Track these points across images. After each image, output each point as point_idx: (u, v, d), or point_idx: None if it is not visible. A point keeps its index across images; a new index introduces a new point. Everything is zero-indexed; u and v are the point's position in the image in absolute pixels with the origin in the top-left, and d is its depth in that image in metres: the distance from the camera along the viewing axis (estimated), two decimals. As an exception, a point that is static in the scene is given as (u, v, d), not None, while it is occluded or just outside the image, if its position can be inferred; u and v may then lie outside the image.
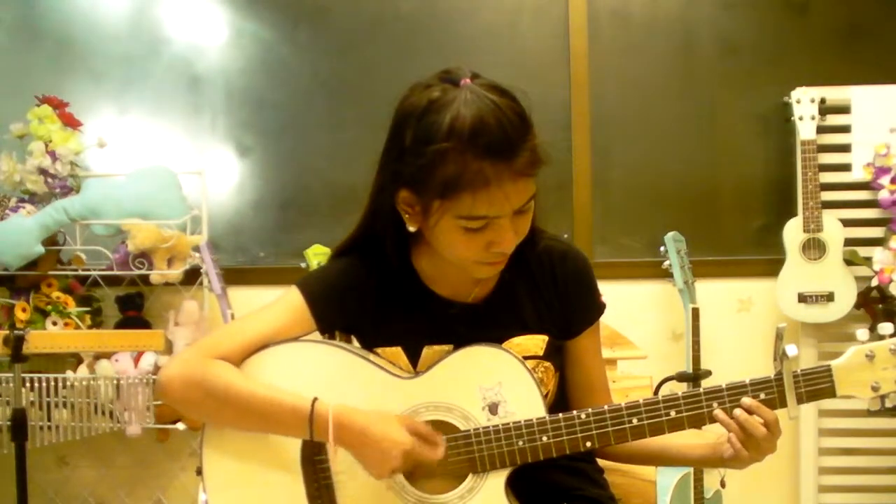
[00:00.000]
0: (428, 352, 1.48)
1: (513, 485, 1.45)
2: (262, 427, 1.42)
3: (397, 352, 1.49)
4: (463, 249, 1.38)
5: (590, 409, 1.42)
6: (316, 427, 1.37)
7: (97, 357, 2.84)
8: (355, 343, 1.56)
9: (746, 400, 1.39)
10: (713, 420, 1.40)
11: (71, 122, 2.96)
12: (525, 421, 1.41)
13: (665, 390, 2.77)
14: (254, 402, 1.39)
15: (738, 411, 1.39)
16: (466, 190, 1.30)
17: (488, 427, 1.41)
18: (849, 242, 3.00)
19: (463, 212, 1.33)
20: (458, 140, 1.29)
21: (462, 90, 1.33)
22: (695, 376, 2.81)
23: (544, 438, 1.40)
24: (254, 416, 1.40)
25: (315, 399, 1.38)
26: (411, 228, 1.41)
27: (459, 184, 1.30)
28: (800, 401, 1.39)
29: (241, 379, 1.41)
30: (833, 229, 2.97)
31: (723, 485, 2.67)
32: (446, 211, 1.34)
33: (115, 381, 2.81)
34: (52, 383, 2.73)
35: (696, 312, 2.86)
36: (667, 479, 2.70)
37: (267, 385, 1.41)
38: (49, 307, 2.85)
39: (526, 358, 1.46)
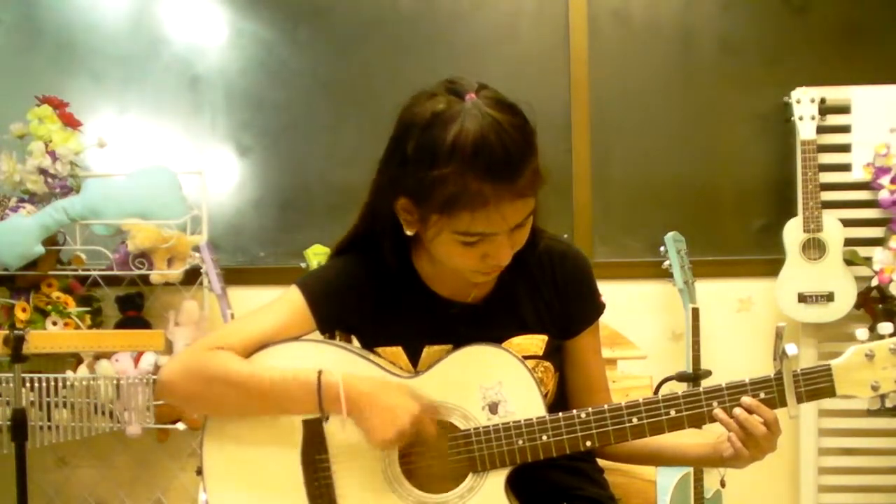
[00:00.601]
0: (428, 351, 1.48)
1: (513, 484, 1.45)
2: (269, 406, 1.42)
3: (397, 351, 1.50)
4: (459, 260, 1.39)
5: (590, 409, 1.42)
6: (325, 395, 1.37)
7: (97, 357, 2.84)
8: (355, 343, 1.57)
9: (746, 399, 1.39)
10: (713, 419, 1.40)
11: (71, 122, 2.96)
12: (525, 420, 1.41)
13: (665, 390, 2.76)
14: (257, 382, 1.40)
15: (737, 410, 1.39)
16: (465, 209, 1.30)
17: (488, 426, 1.41)
18: (849, 242, 3.00)
19: (460, 228, 1.33)
20: (461, 160, 1.29)
21: (467, 104, 1.32)
22: (695, 376, 2.81)
23: (544, 438, 1.40)
24: (258, 395, 1.40)
25: (320, 371, 1.38)
26: (409, 233, 1.42)
27: (458, 203, 1.30)
28: (800, 400, 1.39)
29: (243, 362, 1.42)
30: (833, 229, 2.97)
31: (723, 484, 2.66)
32: (444, 225, 1.34)
33: (115, 381, 2.81)
34: (52, 383, 2.72)
35: (696, 312, 2.86)
36: (667, 479, 2.70)
37: (268, 366, 1.42)
38: (49, 307, 2.85)
39: (526, 357, 1.46)
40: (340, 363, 1.45)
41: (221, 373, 1.40)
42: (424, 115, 1.33)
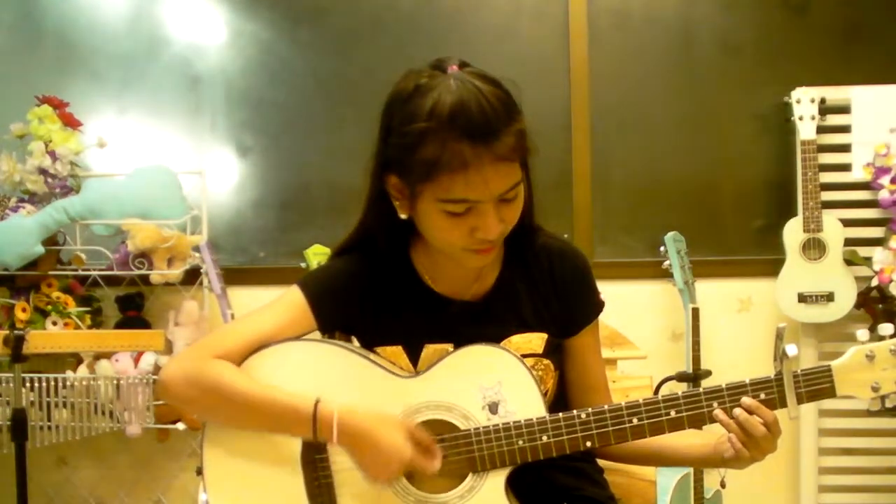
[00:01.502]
0: (428, 350, 1.48)
1: (513, 484, 1.45)
2: (263, 426, 1.42)
3: (398, 351, 1.49)
4: (447, 235, 1.39)
5: (590, 409, 1.41)
6: (319, 427, 1.37)
7: (97, 357, 2.84)
8: (355, 343, 1.57)
9: (746, 400, 1.38)
10: (713, 420, 1.40)
11: (71, 122, 2.96)
12: (525, 420, 1.41)
13: (665, 390, 2.77)
14: (254, 401, 1.39)
15: (737, 411, 1.38)
16: (445, 171, 1.31)
17: (488, 426, 1.41)
18: (849, 242, 3.00)
19: (442, 194, 1.33)
20: (438, 121, 1.30)
21: (448, 76, 1.35)
22: (695, 376, 2.81)
23: (544, 438, 1.40)
24: (254, 414, 1.40)
25: (318, 400, 1.38)
26: (402, 216, 1.42)
27: (438, 165, 1.31)
28: (800, 401, 1.38)
29: (242, 377, 1.41)
30: (833, 229, 2.97)
31: (723, 485, 2.66)
32: (428, 193, 1.34)
33: (115, 381, 2.81)
34: (52, 383, 2.73)
35: (696, 312, 2.85)
36: (667, 479, 2.70)
37: (268, 384, 1.41)
38: (49, 307, 2.85)
39: (525, 356, 1.46)
40: (340, 363, 1.45)
41: (219, 385, 1.40)
42: (408, 88, 1.36)
